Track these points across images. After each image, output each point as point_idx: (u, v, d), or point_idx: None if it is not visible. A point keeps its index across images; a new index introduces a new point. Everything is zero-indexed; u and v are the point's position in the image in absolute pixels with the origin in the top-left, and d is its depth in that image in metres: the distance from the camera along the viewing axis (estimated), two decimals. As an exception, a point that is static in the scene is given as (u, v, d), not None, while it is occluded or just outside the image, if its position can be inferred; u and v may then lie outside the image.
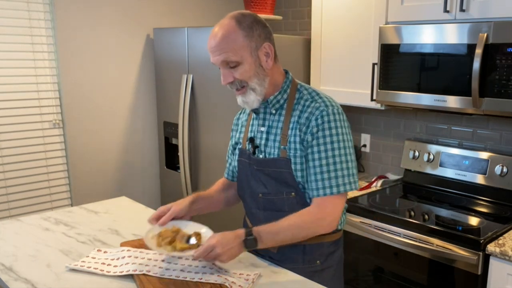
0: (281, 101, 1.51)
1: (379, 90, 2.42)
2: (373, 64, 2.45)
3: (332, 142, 1.43)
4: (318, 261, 1.53)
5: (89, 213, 2.04)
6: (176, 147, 3.18)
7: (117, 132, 3.18)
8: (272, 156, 1.50)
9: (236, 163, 1.64)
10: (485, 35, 1.99)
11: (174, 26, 3.29)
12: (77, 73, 2.92)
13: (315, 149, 1.43)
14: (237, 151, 1.63)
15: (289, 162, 1.46)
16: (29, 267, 1.52)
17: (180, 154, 3.03)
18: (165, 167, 3.30)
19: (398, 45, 2.31)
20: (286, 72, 1.56)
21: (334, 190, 1.42)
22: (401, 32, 2.29)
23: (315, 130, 1.43)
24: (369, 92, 2.50)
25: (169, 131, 3.20)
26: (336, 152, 1.43)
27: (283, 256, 1.53)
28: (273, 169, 1.49)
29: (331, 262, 1.57)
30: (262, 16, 2.46)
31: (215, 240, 1.35)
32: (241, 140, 1.63)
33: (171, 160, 3.27)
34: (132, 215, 2.02)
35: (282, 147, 1.48)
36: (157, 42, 3.14)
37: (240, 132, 1.65)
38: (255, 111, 1.56)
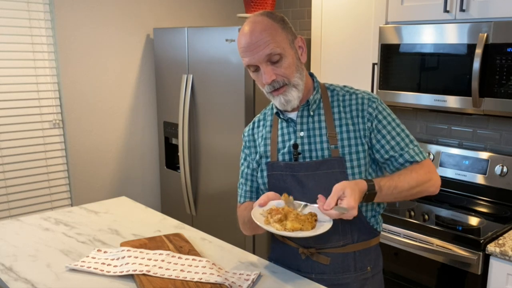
0: (317, 101, 1.46)
1: (379, 90, 2.42)
2: (373, 64, 2.45)
3: (393, 120, 1.45)
4: (368, 268, 1.49)
5: (89, 213, 2.04)
6: (176, 147, 3.18)
7: (117, 132, 3.18)
8: (321, 158, 1.42)
9: (264, 180, 1.50)
10: (485, 35, 1.99)
11: (174, 26, 3.29)
12: (77, 73, 2.92)
13: (382, 128, 1.42)
14: (264, 167, 1.50)
15: (343, 160, 1.40)
16: (29, 267, 1.52)
17: (180, 154, 3.03)
18: (165, 167, 3.30)
19: (398, 45, 2.31)
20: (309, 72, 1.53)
21: (421, 156, 1.43)
22: (401, 32, 2.29)
23: (374, 114, 1.42)
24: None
25: (169, 131, 3.20)
26: (402, 126, 1.45)
27: (336, 266, 1.46)
28: (324, 171, 1.41)
29: (378, 268, 1.54)
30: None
31: (342, 183, 1.27)
32: (269, 154, 1.50)
33: (171, 160, 3.27)
34: (132, 215, 2.02)
35: (332, 146, 1.41)
36: (157, 42, 3.14)
37: (265, 145, 1.51)
38: (285, 117, 1.48)
